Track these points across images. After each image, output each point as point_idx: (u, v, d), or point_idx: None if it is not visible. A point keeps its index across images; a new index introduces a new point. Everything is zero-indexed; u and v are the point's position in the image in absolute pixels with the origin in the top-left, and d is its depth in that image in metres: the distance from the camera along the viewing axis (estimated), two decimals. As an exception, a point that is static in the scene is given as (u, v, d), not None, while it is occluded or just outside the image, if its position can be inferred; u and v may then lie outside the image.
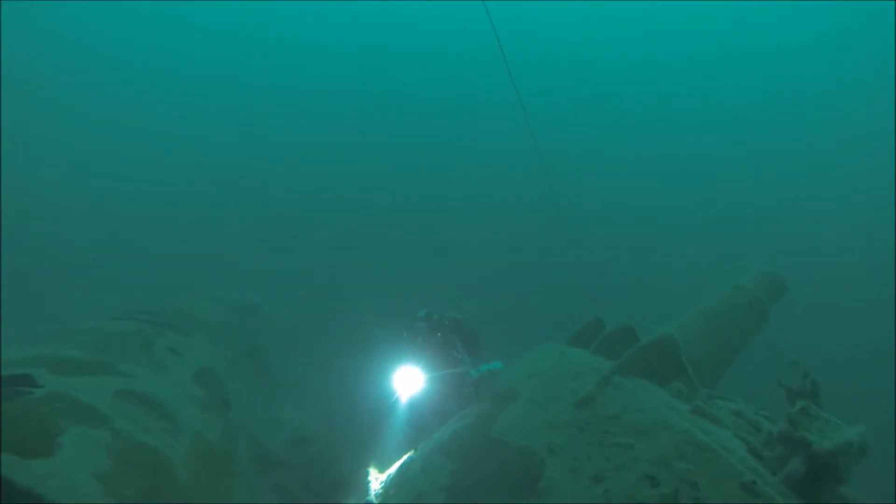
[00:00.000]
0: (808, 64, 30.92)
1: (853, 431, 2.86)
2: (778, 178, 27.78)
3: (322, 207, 25.02)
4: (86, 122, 29.97)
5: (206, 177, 26.86)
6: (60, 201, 23.17)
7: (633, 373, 3.84)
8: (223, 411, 4.97)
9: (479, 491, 3.22)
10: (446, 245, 21.84)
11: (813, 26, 30.06)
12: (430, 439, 4.05)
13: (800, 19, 30.05)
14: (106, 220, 21.85)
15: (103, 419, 3.12)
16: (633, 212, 25.73)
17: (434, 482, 3.40)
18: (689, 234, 23.78)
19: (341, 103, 34.69)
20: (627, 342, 4.48)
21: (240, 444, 4.95)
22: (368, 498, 3.58)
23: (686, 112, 32.84)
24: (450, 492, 3.29)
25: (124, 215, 22.45)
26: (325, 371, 8.12)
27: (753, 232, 23.29)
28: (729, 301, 6.06)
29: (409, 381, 5.36)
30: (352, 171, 29.26)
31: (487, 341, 6.59)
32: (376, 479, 3.85)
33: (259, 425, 5.58)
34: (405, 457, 3.98)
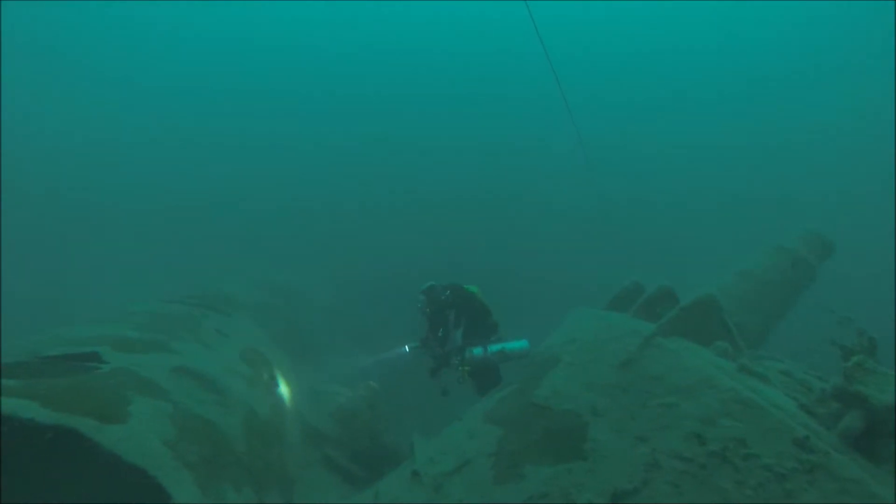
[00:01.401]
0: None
1: (914, 382, 2.76)
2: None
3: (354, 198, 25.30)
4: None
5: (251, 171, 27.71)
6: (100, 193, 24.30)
7: (674, 334, 3.79)
8: (271, 387, 5.16)
9: (526, 454, 3.27)
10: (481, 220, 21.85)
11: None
12: (475, 408, 4.11)
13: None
14: (153, 211, 22.83)
15: (163, 392, 3.30)
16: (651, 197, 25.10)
17: (480, 448, 3.46)
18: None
19: (368, 103, 34.93)
20: (668, 304, 4.42)
21: (287, 418, 5.14)
22: (416, 466, 3.66)
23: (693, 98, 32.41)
24: (497, 456, 3.34)
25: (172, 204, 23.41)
26: (365, 347, 8.27)
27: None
28: (772, 262, 5.88)
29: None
30: (387, 161, 29.35)
31: (519, 315, 6.58)
32: (422, 448, 3.94)
33: (304, 400, 5.78)
34: (451, 426, 4.06)
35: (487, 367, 5.51)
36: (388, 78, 35.90)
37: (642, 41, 34.29)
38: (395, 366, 6.27)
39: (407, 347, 5.98)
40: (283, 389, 5.35)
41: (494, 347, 5.52)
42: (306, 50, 37.15)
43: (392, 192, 25.10)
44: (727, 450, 2.86)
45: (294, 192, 25.46)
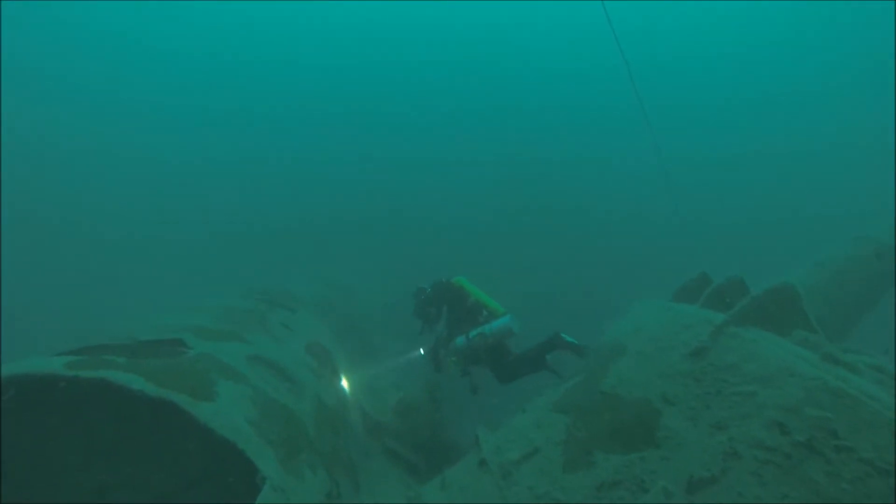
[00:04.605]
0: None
1: None
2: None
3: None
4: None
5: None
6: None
7: (748, 323, 3.64)
8: (334, 379, 5.33)
9: (595, 442, 3.22)
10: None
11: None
12: (539, 398, 4.09)
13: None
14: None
15: (242, 377, 3.48)
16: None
17: (548, 436, 3.44)
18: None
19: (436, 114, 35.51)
20: (738, 294, 4.24)
21: (351, 409, 5.29)
22: (483, 454, 3.68)
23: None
24: (565, 444, 3.31)
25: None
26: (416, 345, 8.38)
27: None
28: (852, 252, 5.52)
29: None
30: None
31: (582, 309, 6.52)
32: (487, 438, 3.95)
33: (364, 393, 5.92)
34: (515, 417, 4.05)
35: (475, 351, 5.70)
36: (455, 87, 36.41)
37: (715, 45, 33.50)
38: (416, 368, 6.49)
39: (422, 350, 6.27)
40: (346, 382, 5.51)
41: (474, 332, 5.64)
42: (352, 62, 38.19)
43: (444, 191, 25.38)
44: (815, 440, 2.71)
45: (348, 196, 26.27)
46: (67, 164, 28.88)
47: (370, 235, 21.53)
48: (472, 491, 3.39)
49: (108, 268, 21.32)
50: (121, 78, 35.39)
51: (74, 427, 2.99)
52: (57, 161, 28.73)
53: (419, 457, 5.40)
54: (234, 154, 32.90)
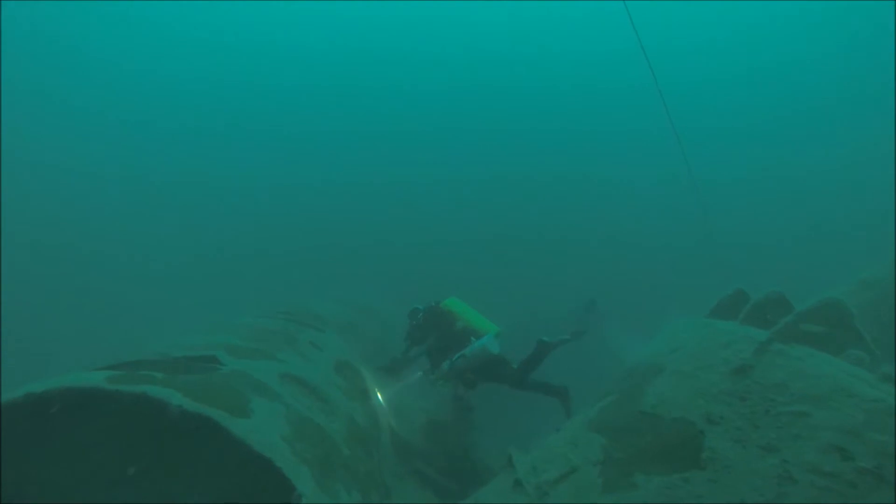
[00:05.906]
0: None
1: None
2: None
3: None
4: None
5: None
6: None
7: (793, 341, 3.48)
8: (365, 399, 5.28)
9: (635, 463, 3.09)
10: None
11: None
12: (574, 418, 3.97)
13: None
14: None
15: (275, 395, 3.48)
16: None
17: (586, 456, 3.32)
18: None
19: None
20: (780, 311, 4.08)
21: (381, 430, 5.23)
22: (517, 475, 3.57)
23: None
24: (604, 465, 3.19)
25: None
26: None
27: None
28: (900, 268, 5.26)
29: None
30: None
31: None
32: (521, 458, 3.84)
33: (393, 414, 5.85)
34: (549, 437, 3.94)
35: (461, 373, 5.83)
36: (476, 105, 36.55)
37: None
38: (417, 390, 6.53)
39: (421, 372, 6.36)
40: (375, 402, 5.46)
41: (457, 355, 5.87)
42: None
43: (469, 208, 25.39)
44: (884, 468, 2.52)
45: (368, 218, 26.50)
46: (76, 181, 29.68)
47: (389, 251, 21.62)
48: (508, 513, 3.28)
49: (124, 291, 21.68)
50: (135, 96, 36.47)
51: (109, 443, 3.02)
52: (64, 179, 29.55)
53: (449, 479, 5.29)
54: (245, 172, 33.47)
